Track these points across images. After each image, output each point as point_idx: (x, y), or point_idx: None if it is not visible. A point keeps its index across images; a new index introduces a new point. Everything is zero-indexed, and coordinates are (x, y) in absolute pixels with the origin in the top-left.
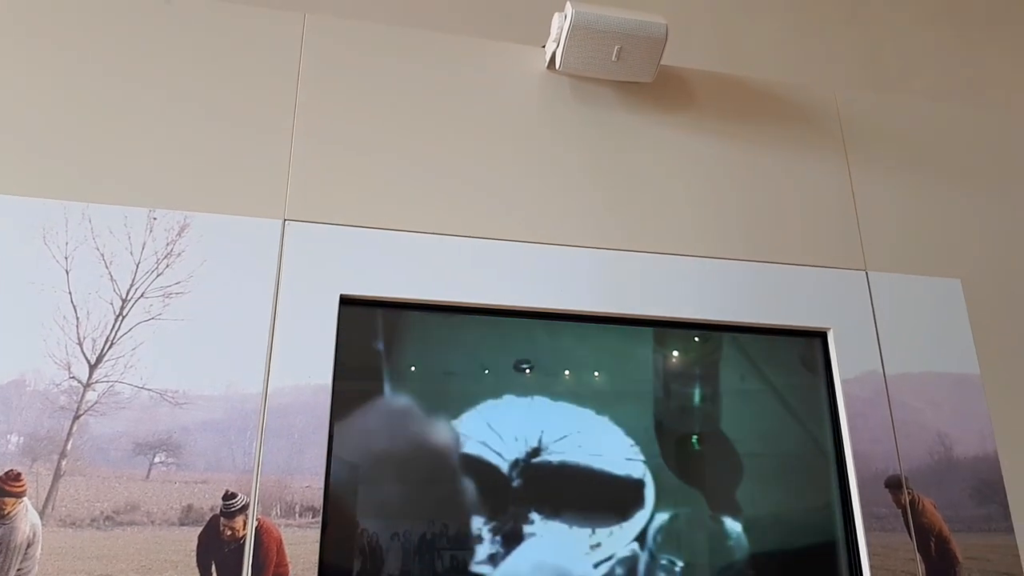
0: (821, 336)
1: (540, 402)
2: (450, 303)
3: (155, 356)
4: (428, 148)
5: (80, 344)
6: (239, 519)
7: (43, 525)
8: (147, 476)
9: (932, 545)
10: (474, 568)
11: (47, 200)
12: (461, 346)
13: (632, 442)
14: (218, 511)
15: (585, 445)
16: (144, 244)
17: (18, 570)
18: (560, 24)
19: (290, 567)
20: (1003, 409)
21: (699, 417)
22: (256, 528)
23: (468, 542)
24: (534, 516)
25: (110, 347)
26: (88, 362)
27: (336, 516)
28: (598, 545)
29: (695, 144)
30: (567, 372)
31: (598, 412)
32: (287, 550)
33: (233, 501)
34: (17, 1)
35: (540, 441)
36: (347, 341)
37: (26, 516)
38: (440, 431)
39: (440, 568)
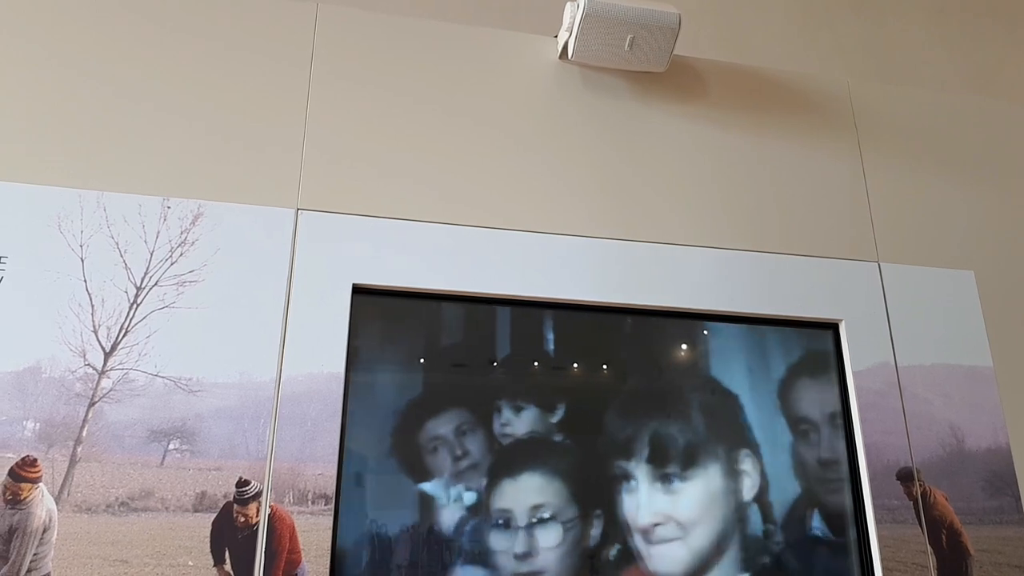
0: (833, 328)
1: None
2: (462, 293)
3: (169, 344)
4: (440, 138)
5: (95, 332)
6: (252, 506)
7: (59, 510)
8: (161, 463)
9: (943, 537)
10: (483, 557)
11: (62, 188)
12: (472, 337)
13: (635, 434)
14: (231, 498)
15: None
16: (158, 233)
17: (34, 555)
18: (573, 13)
19: (303, 554)
20: (1016, 401)
21: (709, 407)
22: (269, 515)
23: (479, 532)
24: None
25: (125, 335)
26: (103, 349)
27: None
28: (604, 534)
29: (707, 134)
30: (575, 365)
31: (607, 403)
32: (300, 537)
33: (246, 488)
34: None
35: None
36: (359, 330)
37: (42, 501)
38: (448, 423)
39: (448, 558)
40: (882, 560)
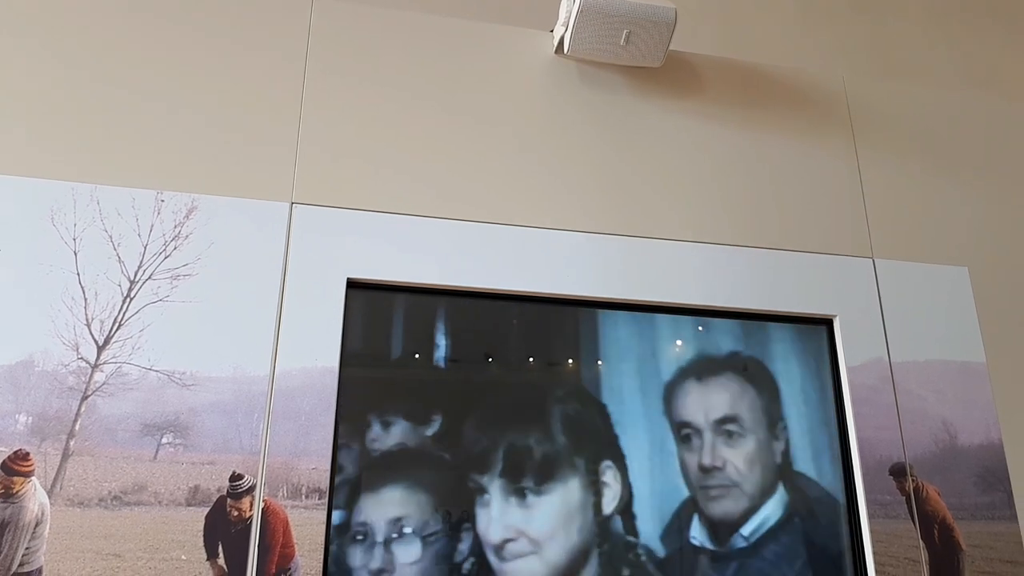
0: (827, 323)
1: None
2: (456, 288)
3: (163, 338)
4: (435, 132)
5: (88, 325)
6: (246, 500)
7: (51, 504)
8: (155, 457)
9: (936, 532)
10: (476, 554)
11: (55, 181)
12: (467, 332)
13: (634, 431)
14: (225, 492)
15: (590, 432)
16: (152, 226)
17: (26, 548)
18: (569, 8)
19: (296, 548)
20: (1008, 397)
21: (703, 404)
22: (263, 509)
23: (472, 529)
24: (534, 501)
25: (118, 328)
26: (96, 343)
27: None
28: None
29: (703, 130)
30: (570, 361)
31: (603, 400)
32: (293, 531)
33: (240, 482)
34: None
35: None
36: (354, 325)
37: (34, 495)
38: (444, 418)
39: (442, 553)
40: (874, 555)
